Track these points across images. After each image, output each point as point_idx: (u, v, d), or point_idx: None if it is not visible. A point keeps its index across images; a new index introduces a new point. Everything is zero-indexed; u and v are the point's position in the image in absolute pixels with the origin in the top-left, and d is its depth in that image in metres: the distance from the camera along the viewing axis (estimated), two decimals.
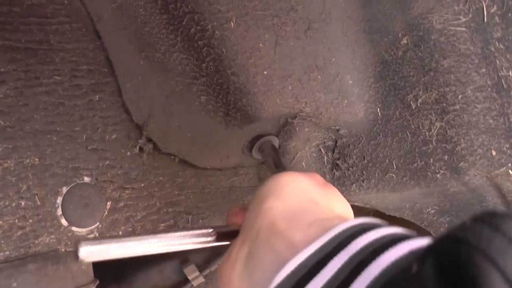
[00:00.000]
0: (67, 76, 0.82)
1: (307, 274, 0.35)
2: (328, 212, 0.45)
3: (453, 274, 0.25)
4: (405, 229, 0.38)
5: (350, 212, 0.57)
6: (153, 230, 0.55)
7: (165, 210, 0.88)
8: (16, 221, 0.78)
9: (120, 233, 0.84)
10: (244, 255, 0.44)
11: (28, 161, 0.79)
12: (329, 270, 0.34)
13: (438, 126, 0.81)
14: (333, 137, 0.92)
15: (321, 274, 0.34)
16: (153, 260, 0.99)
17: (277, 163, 0.89)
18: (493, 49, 0.75)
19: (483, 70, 0.77)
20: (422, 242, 0.33)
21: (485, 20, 0.75)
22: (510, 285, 0.23)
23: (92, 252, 0.52)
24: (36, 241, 0.79)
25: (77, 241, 0.52)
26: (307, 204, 0.46)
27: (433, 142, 0.82)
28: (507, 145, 0.78)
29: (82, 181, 0.82)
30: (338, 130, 0.90)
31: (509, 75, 0.75)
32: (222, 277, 0.48)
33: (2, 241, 0.77)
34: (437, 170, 0.83)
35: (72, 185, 0.82)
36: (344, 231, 0.37)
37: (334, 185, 0.93)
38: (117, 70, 0.85)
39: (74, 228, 0.82)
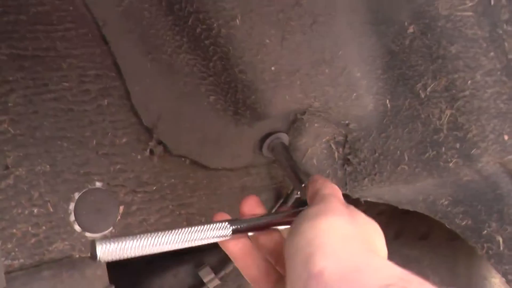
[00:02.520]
0: (75, 82, 0.82)
1: None
2: (383, 268, 0.40)
3: None
4: None
5: (383, 242, 0.53)
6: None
7: (178, 213, 0.87)
8: (30, 228, 0.78)
9: None
10: None
11: (39, 168, 0.79)
12: None
13: (448, 113, 0.81)
14: (343, 132, 0.92)
15: None
16: (168, 264, 0.98)
17: (288, 160, 0.88)
18: (501, 31, 0.75)
19: (492, 54, 0.77)
20: None
21: (492, 2, 0.75)
22: None
23: (110, 251, 0.52)
24: (50, 248, 0.79)
25: (93, 241, 0.51)
26: (361, 259, 0.41)
27: (444, 131, 0.82)
28: None
29: (94, 186, 0.82)
30: (348, 125, 0.90)
31: None
32: None
33: (17, 249, 0.76)
34: (449, 159, 0.83)
35: (84, 190, 0.81)
36: None
37: (346, 180, 0.93)
38: (125, 73, 0.85)
39: (87, 234, 0.81)
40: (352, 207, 0.55)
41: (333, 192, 0.58)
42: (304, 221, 0.47)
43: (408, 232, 1.27)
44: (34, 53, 0.81)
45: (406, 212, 1.00)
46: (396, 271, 0.39)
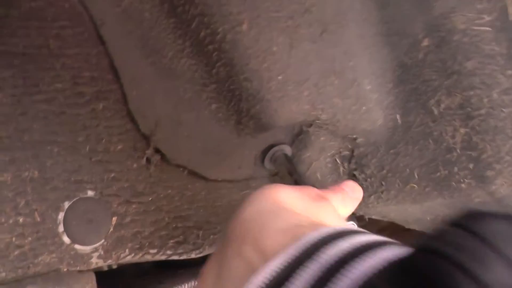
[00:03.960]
0: (68, 83, 0.77)
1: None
2: (304, 219, 0.43)
3: None
4: (378, 236, 0.37)
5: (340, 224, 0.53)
6: None
7: (174, 226, 0.82)
8: (14, 239, 0.72)
9: (127, 250, 0.79)
10: (216, 266, 0.42)
11: (26, 174, 0.74)
12: (298, 283, 0.32)
13: (462, 132, 0.77)
14: (350, 146, 0.88)
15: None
16: (164, 277, 0.94)
17: (292, 173, 0.84)
18: None
19: (509, 71, 0.73)
20: (396, 251, 0.32)
21: (511, 18, 0.72)
22: None
23: None
24: (36, 261, 0.73)
25: None
26: (283, 212, 0.44)
27: (457, 150, 0.78)
28: None
29: (85, 195, 0.77)
30: (355, 139, 0.86)
31: None
32: None
33: None
34: (461, 180, 0.79)
35: (74, 199, 0.76)
36: (313, 240, 0.35)
37: None
38: (123, 77, 0.80)
39: (77, 246, 0.76)
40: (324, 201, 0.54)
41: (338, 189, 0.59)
42: (257, 189, 0.51)
43: None
44: (25, 51, 0.76)
45: (408, 229, 0.97)
46: (308, 219, 0.43)
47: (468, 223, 0.26)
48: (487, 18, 0.73)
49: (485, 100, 0.75)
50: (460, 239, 0.25)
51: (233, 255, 0.41)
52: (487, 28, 0.73)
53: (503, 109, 0.75)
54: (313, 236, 0.35)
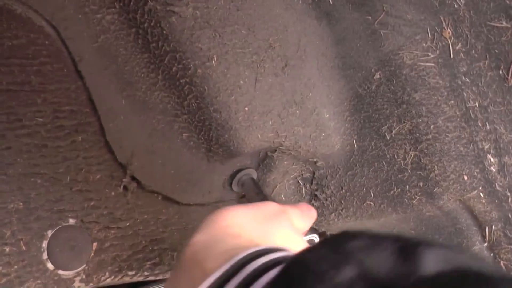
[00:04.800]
0: (49, 117, 0.82)
1: None
2: (242, 241, 0.48)
3: None
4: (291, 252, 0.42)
5: (292, 242, 0.57)
6: None
7: (150, 248, 0.88)
8: (0, 268, 0.76)
9: (107, 273, 0.84)
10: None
11: (12, 205, 0.78)
12: None
13: (412, 155, 0.86)
14: (311, 169, 0.96)
15: None
16: None
17: (259, 195, 0.91)
18: (460, 82, 0.81)
19: (452, 101, 0.82)
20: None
21: (451, 56, 0.81)
22: None
23: None
24: None
25: None
26: (226, 236, 0.49)
27: (408, 170, 0.87)
28: (477, 170, 0.84)
29: (67, 223, 0.82)
30: (316, 162, 0.94)
31: (475, 106, 0.81)
32: None
33: None
34: (413, 196, 0.88)
35: (57, 228, 0.81)
36: (241, 259, 0.40)
37: None
38: (100, 110, 0.85)
39: (60, 272, 0.80)
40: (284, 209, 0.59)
41: (287, 207, 0.62)
42: (211, 213, 0.55)
43: None
44: (8, 87, 0.80)
45: None
46: (246, 242, 0.47)
47: (333, 241, 0.31)
48: (431, 55, 0.82)
49: (432, 126, 0.84)
50: (323, 253, 0.31)
51: (183, 279, 0.46)
52: (432, 64, 0.82)
53: (447, 134, 0.84)
54: (241, 255, 0.41)
